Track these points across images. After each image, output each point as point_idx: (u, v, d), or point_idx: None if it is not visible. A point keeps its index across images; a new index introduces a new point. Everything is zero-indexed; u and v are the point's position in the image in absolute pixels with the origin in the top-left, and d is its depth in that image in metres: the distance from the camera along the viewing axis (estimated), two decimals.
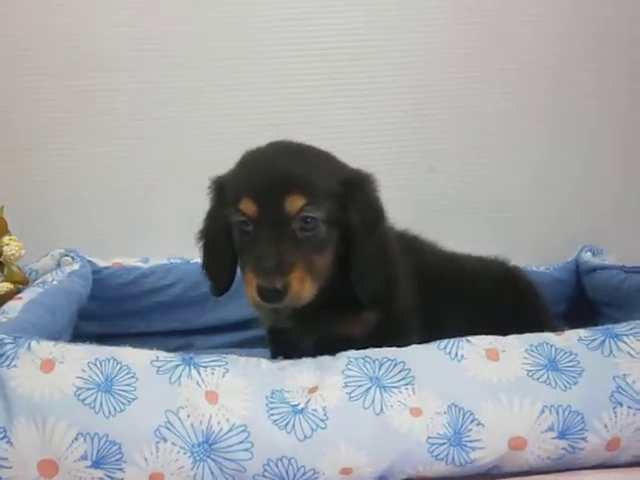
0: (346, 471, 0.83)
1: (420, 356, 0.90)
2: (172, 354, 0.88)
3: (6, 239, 1.15)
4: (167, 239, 1.49)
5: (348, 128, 1.58)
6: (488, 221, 1.65)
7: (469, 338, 0.92)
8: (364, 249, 0.95)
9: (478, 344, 0.91)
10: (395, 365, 0.88)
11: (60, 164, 1.54)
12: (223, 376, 0.86)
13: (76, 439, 0.78)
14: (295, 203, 0.89)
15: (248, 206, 0.90)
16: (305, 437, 0.82)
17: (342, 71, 1.57)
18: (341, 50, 1.56)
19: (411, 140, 1.61)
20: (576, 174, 1.66)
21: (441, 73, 1.59)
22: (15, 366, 0.81)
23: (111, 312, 1.35)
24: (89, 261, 1.33)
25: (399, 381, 0.87)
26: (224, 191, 0.97)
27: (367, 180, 0.98)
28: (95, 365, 0.83)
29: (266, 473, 0.81)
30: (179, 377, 0.84)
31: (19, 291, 1.13)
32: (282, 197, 0.89)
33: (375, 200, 0.98)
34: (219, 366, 0.87)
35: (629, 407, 0.87)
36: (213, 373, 0.86)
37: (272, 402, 0.84)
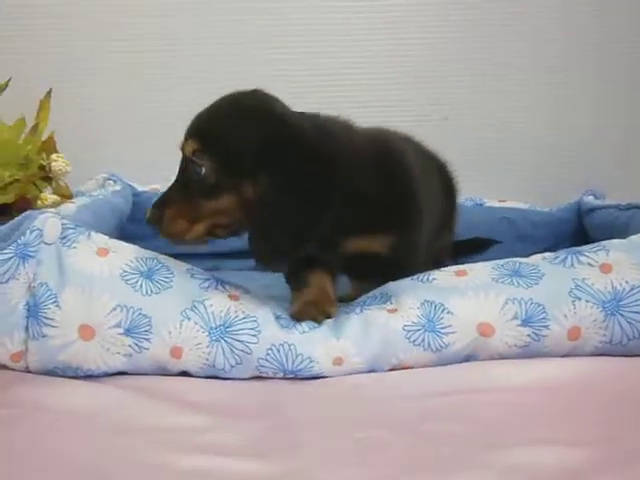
0: (338, 360, 0.95)
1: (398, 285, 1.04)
2: (206, 272, 1.03)
3: (54, 156, 1.28)
4: None
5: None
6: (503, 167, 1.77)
7: (441, 269, 1.05)
8: (261, 212, 0.97)
9: (447, 270, 1.04)
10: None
11: (107, 97, 1.71)
12: (245, 293, 1.02)
13: (114, 309, 0.92)
14: (188, 146, 0.98)
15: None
16: (304, 332, 0.96)
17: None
18: None
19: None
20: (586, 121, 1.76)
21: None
22: (74, 247, 0.95)
23: (147, 233, 1.47)
24: (129, 185, 1.47)
25: (379, 300, 1.02)
26: None
27: (286, 146, 0.97)
28: (141, 259, 0.98)
29: (268, 357, 0.94)
30: (207, 286, 0.99)
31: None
32: (184, 139, 1.00)
33: (287, 169, 0.96)
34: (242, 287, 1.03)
35: (587, 301, 0.97)
36: (237, 288, 1.02)
37: (280, 310, 1.00)
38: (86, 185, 1.42)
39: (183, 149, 1.00)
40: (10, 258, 0.91)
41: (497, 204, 1.59)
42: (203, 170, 0.97)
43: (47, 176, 1.30)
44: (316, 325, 0.97)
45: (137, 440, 0.77)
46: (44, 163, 1.29)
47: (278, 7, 1.71)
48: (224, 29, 1.71)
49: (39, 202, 1.25)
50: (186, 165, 1.00)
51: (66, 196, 1.29)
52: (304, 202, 0.96)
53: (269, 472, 0.70)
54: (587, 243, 1.48)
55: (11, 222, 0.95)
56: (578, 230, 1.55)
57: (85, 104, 1.70)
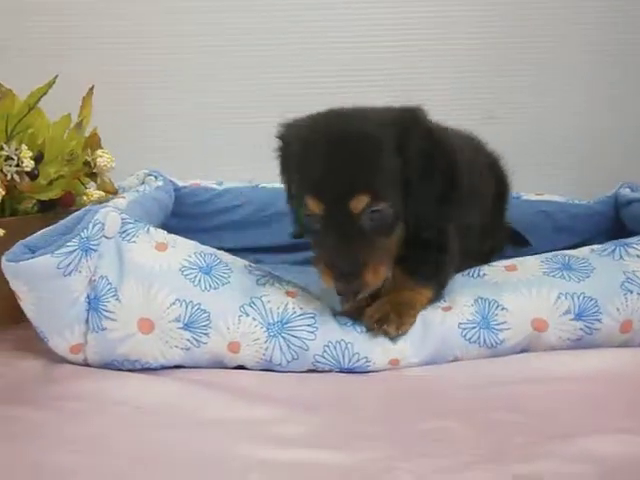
0: (394, 362, 0.95)
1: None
2: (262, 268, 1.04)
3: (99, 152, 1.28)
4: (240, 165, 1.65)
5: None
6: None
7: (490, 264, 1.06)
8: (420, 196, 0.96)
9: (497, 264, 1.06)
10: None
11: (148, 96, 1.73)
12: (303, 290, 1.03)
13: (174, 304, 0.93)
14: (360, 203, 0.91)
15: (314, 205, 0.93)
16: (362, 331, 0.97)
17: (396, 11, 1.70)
18: None
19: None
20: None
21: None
22: (134, 242, 0.96)
23: (188, 228, 1.44)
24: (170, 180, 1.48)
25: None
26: (289, 162, 1.02)
27: (417, 129, 0.97)
28: (200, 255, 0.99)
29: (325, 354, 0.94)
30: (265, 283, 1.00)
31: (108, 200, 1.27)
32: (347, 197, 0.91)
33: (426, 145, 0.97)
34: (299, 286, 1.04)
35: (638, 294, 0.98)
36: (294, 287, 1.02)
37: (338, 308, 1.01)
38: (127, 181, 1.43)
39: (349, 207, 0.91)
40: (73, 251, 0.92)
41: (534, 197, 1.59)
42: (383, 215, 0.93)
43: (92, 172, 1.30)
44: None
45: (206, 432, 0.78)
46: (89, 159, 1.29)
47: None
48: (269, 29, 1.72)
49: (85, 198, 1.26)
50: (353, 219, 0.92)
51: (110, 192, 1.30)
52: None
53: (343, 463, 0.71)
54: (625, 235, 1.50)
55: (72, 215, 0.96)
56: (615, 222, 1.54)
57: (125, 101, 1.71)
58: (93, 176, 1.31)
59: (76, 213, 0.96)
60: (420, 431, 0.78)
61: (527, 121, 1.77)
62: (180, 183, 1.51)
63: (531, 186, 1.57)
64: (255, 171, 1.50)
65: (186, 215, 1.49)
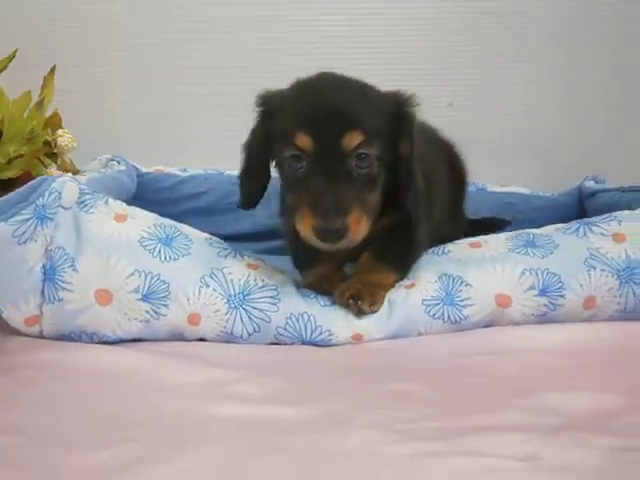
0: (357, 337, 0.94)
1: None
2: (224, 242, 1.02)
3: (60, 131, 1.26)
4: (204, 153, 1.63)
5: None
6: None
7: (454, 242, 1.06)
8: (414, 174, 0.97)
9: (461, 242, 1.06)
10: None
11: (112, 79, 1.70)
12: (264, 262, 1.02)
13: (132, 274, 0.91)
14: (353, 139, 0.90)
15: (304, 141, 0.90)
16: (326, 305, 0.96)
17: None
18: None
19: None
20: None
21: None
22: (92, 213, 0.94)
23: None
24: (133, 166, 1.45)
25: None
26: (273, 118, 0.97)
27: (413, 113, 0.98)
28: (160, 227, 0.97)
29: (287, 327, 0.93)
30: (226, 255, 0.99)
31: None
32: (340, 133, 0.90)
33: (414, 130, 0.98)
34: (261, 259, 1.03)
35: (602, 270, 0.98)
36: (256, 259, 1.02)
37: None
38: (89, 165, 1.40)
39: (341, 144, 0.90)
40: (28, 219, 0.89)
41: (499, 189, 1.60)
42: (370, 164, 0.92)
43: (52, 152, 1.28)
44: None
45: (166, 395, 0.77)
46: (49, 139, 1.27)
47: None
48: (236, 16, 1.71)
49: None
50: (342, 158, 0.91)
51: (71, 172, 1.27)
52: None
53: (303, 415, 0.72)
54: None
55: (28, 184, 0.93)
56: (580, 214, 1.55)
57: (90, 84, 1.69)
58: (54, 156, 1.29)
59: (31, 182, 0.94)
60: (382, 390, 0.78)
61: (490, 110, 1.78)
62: (143, 169, 1.49)
63: (495, 177, 1.58)
64: (221, 158, 1.48)
65: (149, 201, 1.46)
